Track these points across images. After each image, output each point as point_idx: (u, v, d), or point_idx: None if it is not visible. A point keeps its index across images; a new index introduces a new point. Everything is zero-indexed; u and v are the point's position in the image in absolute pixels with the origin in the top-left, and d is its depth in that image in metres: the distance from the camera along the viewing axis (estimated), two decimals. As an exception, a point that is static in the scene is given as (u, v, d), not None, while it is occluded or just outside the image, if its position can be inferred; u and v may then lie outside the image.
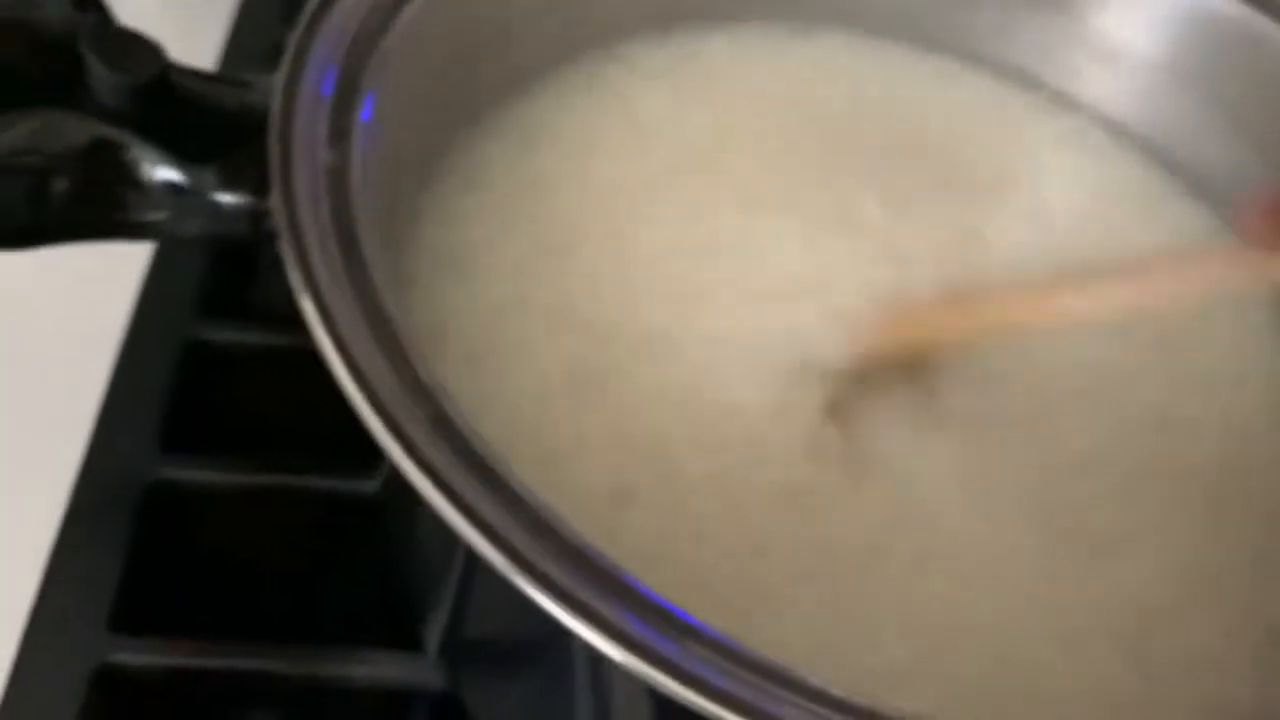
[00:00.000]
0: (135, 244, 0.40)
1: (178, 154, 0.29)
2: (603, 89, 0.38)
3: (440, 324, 0.32)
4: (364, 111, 0.28)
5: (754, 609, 0.29)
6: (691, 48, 0.41)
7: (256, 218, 0.29)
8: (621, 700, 0.28)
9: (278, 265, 0.44)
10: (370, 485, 0.36)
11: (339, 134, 0.28)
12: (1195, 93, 0.41)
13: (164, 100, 0.29)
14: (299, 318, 0.40)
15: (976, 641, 0.30)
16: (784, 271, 0.35)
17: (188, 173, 0.29)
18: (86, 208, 0.29)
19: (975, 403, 0.34)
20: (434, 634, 0.33)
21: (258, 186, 0.29)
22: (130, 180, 0.29)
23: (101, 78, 0.28)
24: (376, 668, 0.34)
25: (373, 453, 0.33)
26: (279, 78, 0.28)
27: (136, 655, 0.33)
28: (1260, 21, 0.39)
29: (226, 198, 0.29)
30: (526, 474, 0.24)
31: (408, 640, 0.34)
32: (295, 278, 0.25)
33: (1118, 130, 0.42)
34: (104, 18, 0.30)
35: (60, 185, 0.29)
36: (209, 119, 0.29)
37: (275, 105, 0.27)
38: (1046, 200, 0.40)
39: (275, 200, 0.26)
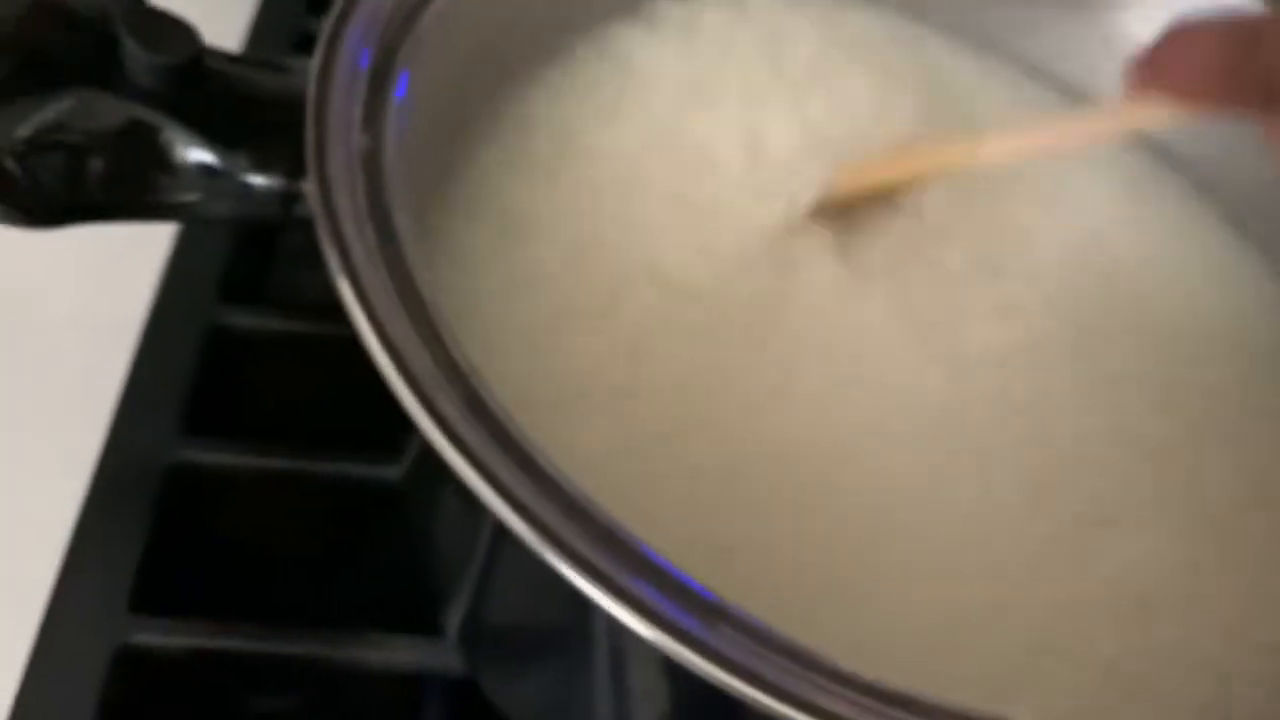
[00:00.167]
0: (163, 226, 0.41)
1: (211, 136, 0.29)
2: (630, 54, 0.39)
3: (474, 303, 0.32)
4: (398, 93, 0.28)
5: None
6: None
7: (288, 200, 0.29)
8: (642, 685, 0.28)
9: (301, 252, 0.45)
10: (391, 471, 0.36)
11: (373, 116, 0.28)
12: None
13: (198, 82, 0.29)
14: (321, 304, 0.40)
15: None
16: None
17: (220, 155, 0.29)
18: (120, 188, 0.29)
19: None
20: (453, 619, 0.33)
21: (289, 169, 0.29)
22: (163, 161, 0.29)
23: (136, 59, 0.28)
24: (395, 652, 0.34)
25: (394, 439, 0.34)
26: (314, 61, 0.28)
27: (156, 636, 0.34)
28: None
29: (258, 180, 0.29)
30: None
31: (426, 625, 0.34)
32: (331, 259, 0.25)
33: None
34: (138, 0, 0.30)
35: (95, 165, 0.29)
36: (243, 102, 0.30)
37: (310, 88, 0.28)
38: (1060, 199, 0.40)
39: (311, 182, 0.26)
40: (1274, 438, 0.36)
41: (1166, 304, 0.39)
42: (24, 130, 0.28)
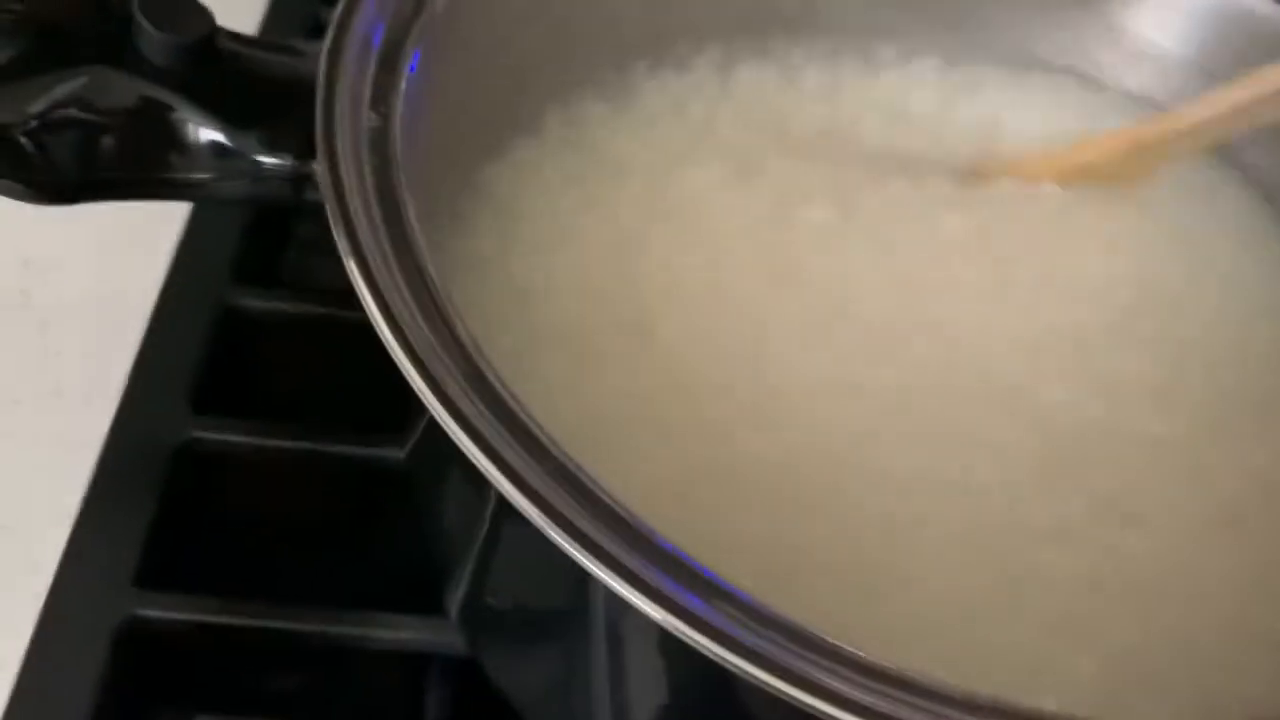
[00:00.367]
0: (177, 207, 0.42)
1: (223, 116, 0.29)
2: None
3: (484, 292, 0.32)
4: (408, 75, 0.29)
5: None
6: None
7: (298, 181, 0.30)
8: (641, 665, 0.29)
9: (314, 239, 0.45)
10: (397, 453, 0.37)
11: (383, 96, 0.28)
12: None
13: (211, 62, 0.29)
14: (332, 288, 0.41)
15: None
16: None
17: (232, 134, 0.29)
18: (132, 166, 0.29)
19: None
20: (455, 598, 0.34)
21: (300, 150, 0.29)
22: (175, 140, 0.29)
23: (150, 38, 0.29)
24: (397, 631, 0.34)
25: (401, 421, 0.35)
26: (325, 42, 0.29)
27: (162, 610, 0.34)
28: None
29: (269, 160, 0.29)
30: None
31: (429, 605, 0.34)
32: (339, 236, 0.25)
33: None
34: (154, -20, 0.30)
35: (107, 143, 0.29)
36: (255, 82, 0.30)
37: (321, 69, 0.28)
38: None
39: (320, 162, 0.27)
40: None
41: (1179, 300, 0.39)
42: (37, 107, 0.28)
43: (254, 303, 0.41)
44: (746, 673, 0.22)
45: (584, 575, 0.25)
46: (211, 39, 0.29)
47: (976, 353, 0.35)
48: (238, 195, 0.30)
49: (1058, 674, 0.30)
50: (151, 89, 0.29)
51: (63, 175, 0.29)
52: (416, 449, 0.34)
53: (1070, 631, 0.31)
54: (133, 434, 0.37)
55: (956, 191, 0.39)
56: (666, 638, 0.23)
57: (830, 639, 0.23)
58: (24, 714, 0.32)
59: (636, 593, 0.22)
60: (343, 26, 0.29)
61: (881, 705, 0.22)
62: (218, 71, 0.29)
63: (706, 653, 0.22)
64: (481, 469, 0.23)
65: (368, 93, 0.28)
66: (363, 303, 0.25)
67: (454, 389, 0.24)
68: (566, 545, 0.23)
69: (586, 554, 0.23)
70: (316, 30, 0.49)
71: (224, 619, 0.34)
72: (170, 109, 0.29)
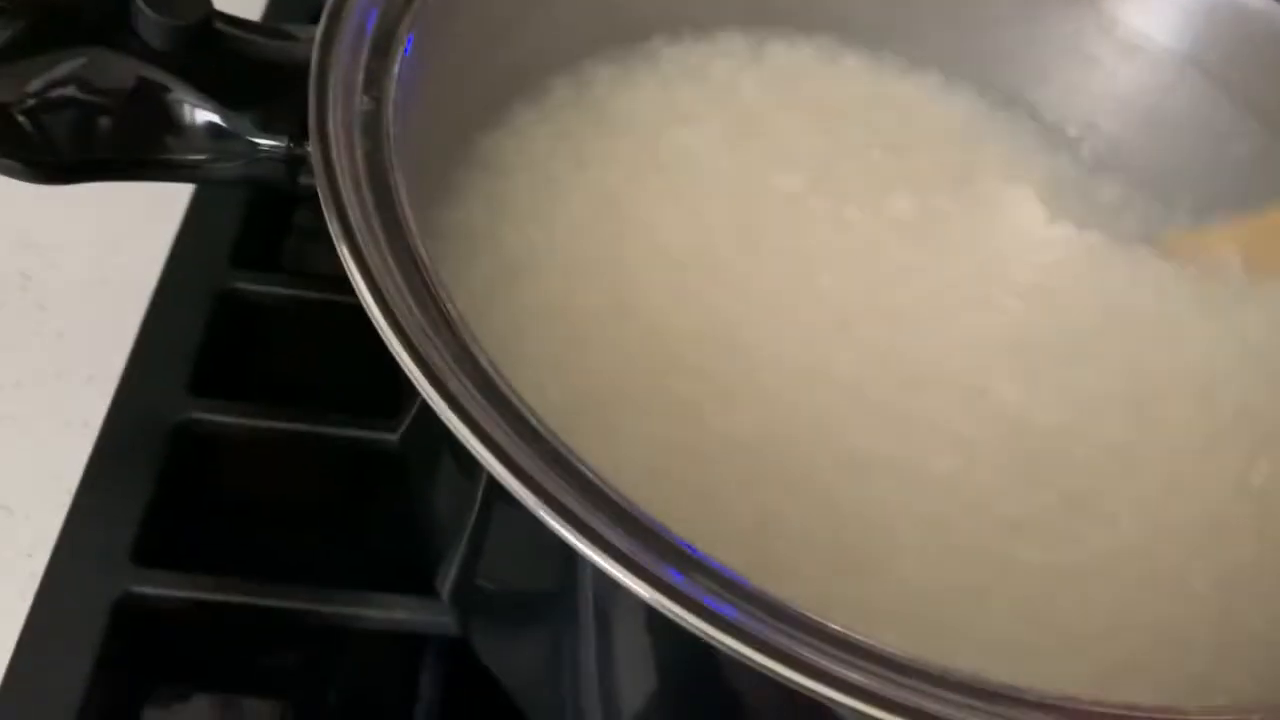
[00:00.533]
0: (177, 191, 0.42)
1: (219, 98, 0.30)
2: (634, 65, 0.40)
3: (474, 268, 0.32)
4: (402, 58, 0.29)
5: None
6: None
7: (293, 163, 0.30)
8: (628, 644, 0.29)
9: (311, 224, 0.45)
10: (390, 436, 0.37)
11: (376, 79, 0.28)
12: (1216, 87, 0.41)
13: (208, 45, 0.30)
14: (330, 274, 0.41)
15: None
16: None
17: (227, 117, 0.30)
18: (129, 146, 0.30)
19: None
20: (447, 580, 0.34)
21: (295, 132, 0.30)
22: (172, 121, 0.30)
23: (148, 20, 0.29)
24: (390, 611, 0.35)
25: (396, 404, 0.35)
26: (319, 25, 0.29)
27: (157, 587, 0.34)
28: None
29: (264, 142, 0.30)
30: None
31: (421, 586, 0.35)
32: (331, 221, 0.26)
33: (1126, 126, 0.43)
34: (152, -38, 0.30)
35: (104, 123, 0.29)
36: (251, 65, 0.30)
37: (314, 53, 0.28)
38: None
39: (312, 143, 0.27)
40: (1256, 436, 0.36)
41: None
42: (36, 86, 0.29)
43: (253, 287, 0.41)
44: (733, 649, 0.22)
45: (572, 556, 0.25)
46: (208, 22, 0.30)
47: (931, 344, 0.35)
48: (233, 176, 0.30)
49: (1024, 659, 0.30)
50: (149, 70, 0.29)
51: (60, 154, 0.29)
52: (409, 431, 0.34)
53: (1039, 619, 0.31)
54: (131, 415, 0.37)
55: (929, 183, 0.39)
56: (654, 617, 0.23)
57: (819, 617, 0.23)
58: (20, 690, 0.32)
59: (624, 570, 0.22)
60: (336, 12, 0.29)
61: (866, 682, 0.22)
62: (214, 54, 0.30)
63: (694, 630, 0.22)
64: (471, 449, 0.23)
65: (361, 77, 0.28)
66: (354, 285, 0.25)
67: (444, 370, 0.24)
68: (555, 524, 0.23)
69: (574, 532, 0.23)
70: (319, 16, 0.49)
71: (219, 597, 0.34)
72: (167, 90, 0.29)
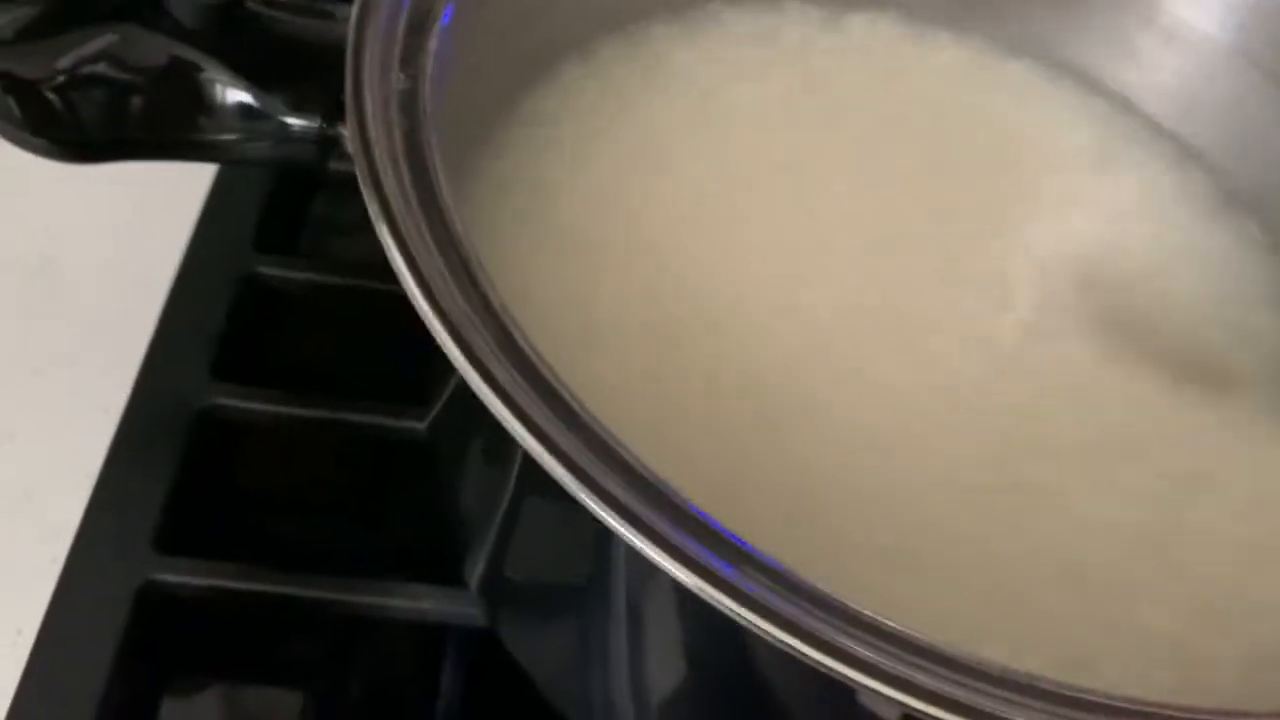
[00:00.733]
0: (201, 173, 0.41)
1: (250, 76, 0.29)
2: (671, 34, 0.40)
3: (509, 246, 0.32)
4: (438, 37, 0.28)
5: None
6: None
7: (324, 144, 0.30)
8: (662, 635, 0.29)
9: (328, 213, 0.45)
10: (417, 423, 0.37)
11: (412, 57, 0.28)
12: (1263, 75, 0.40)
13: (241, 23, 0.29)
14: (355, 258, 0.41)
15: None
16: None
17: (259, 96, 0.29)
18: (159, 125, 0.29)
19: None
20: (475, 570, 0.33)
21: (327, 112, 0.29)
22: (203, 100, 0.29)
23: (180, -2, 0.29)
24: (416, 601, 0.34)
25: (422, 392, 0.34)
26: (354, 3, 0.28)
27: (180, 575, 0.34)
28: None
29: (296, 122, 0.29)
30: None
31: (447, 575, 0.34)
32: (370, 200, 0.25)
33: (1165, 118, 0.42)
34: (182, -59, 0.30)
35: (134, 102, 0.29)
36: (283, 44, 0.30)
37: (350, 31, 0.28)
38: (1095, 201, 0.40)
39: (349, 125, 0.26)
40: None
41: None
42: (65, 63, 0.28)
43: (276, 271, 0.41)
44: (779, 640, 0.21)
45: (608, 545, 0.25)
46: (241, 1, 0.29)
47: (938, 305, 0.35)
48: (263, 157, 0.30)
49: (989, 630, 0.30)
50: (180, 48, 0.29)
51: (89, 133, 0.29)
52: (440, 418, 0.34)
53: (1005, 600, 0.31)
54: (153, 400, 0.37)
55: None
56: (690, 607, 0.23)
57: (867, 611, 0.22)
58: (42, 678, 0.32)
59: (668, 557, 0.22)
60: (372, -11, 0.29)
61: (915, 676, 0.21)
62: (247, 32, 0.29)
63: (737, 618, 0.22)
64: (514, 434, 0.23)
65: (397, 55, 0.28)
66: (395, 268, 0.24)
67: (486, 354, 0.24)
68: (599, 510, 0.22)
69: (618, 518, 0.22)
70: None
71: (242, 585, 0.34)
72: (198, 69, 0.29)
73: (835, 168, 0.38)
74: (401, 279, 0.24)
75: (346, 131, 0.27)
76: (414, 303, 0.24)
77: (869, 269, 0.36)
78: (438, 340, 0.24)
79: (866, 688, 0.21)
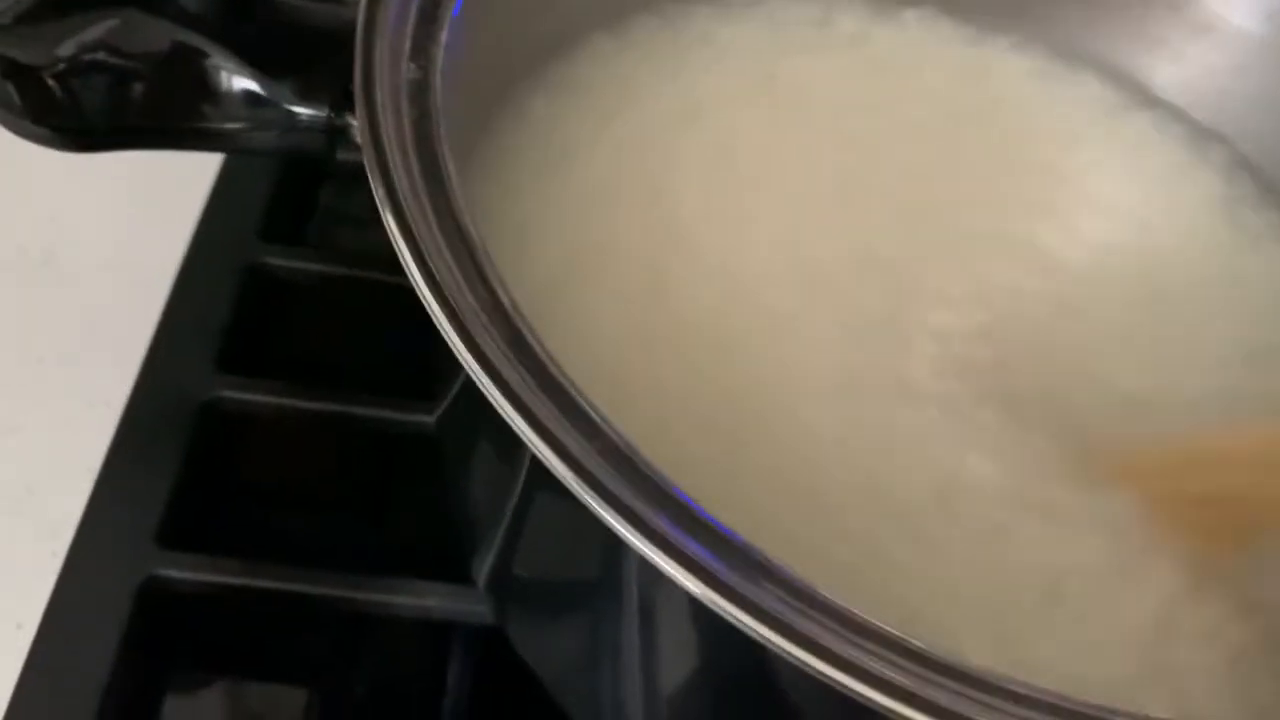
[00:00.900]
0: (206, 162, 0.41)
1: (256, 64, 0.29)
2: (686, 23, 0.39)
3: (520, 239, 0.32)
4: (448, 26, 0.28)
5: None
6: None
7: (332, 133, 0.29)
8: (673, 637, 0.28)
9: (336, 204, 0.44)
10: (425, 417, 0.36)
11: (423, 47, 0.27)
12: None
13: (247, 8, 0.29)
14: (362, 250, 0.40)
15: None
16: None
17: (265, 84, 0.29)
18: (162, 113, 0.29)
19: None
20: (483, 567, 0.33)
21: (335, 101, 0.29)
22: (207, 88, 0.29)
23: (184, -19, 0.28)
24: (422, 598, 0.34)
25: (430, 386, 0.34)
26: (364, -9, 0.28)
27: (183, 571, 0.33)
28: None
29: (303, 111, 0.29)
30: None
31: (454, 572, 0.34)
32: (378, 192, 0.24)
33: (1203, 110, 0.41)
34: (187, -77, 0.29)
35: (137, 89, 0.28)
36: (291, 30, 0.29)
37: (360, 18, 0.27)
38: (1119, 197, 0.40)
39: (358, 112, 0.26)
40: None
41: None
42: (66, 50, 0.27)
43: (282, 262, 0.40)
44: (796, 658, 0.21)
45: (618, 546, 0.24)
46: (247, -15, 0.28)
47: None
48: (269, 147, 0.29)
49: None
50: (184, 34, 0.28)
51: (91, 121, 0.28)
52: (448, 413, 0.33)
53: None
54: (157, 393, 0.36)
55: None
56: (701, 612, 0.22)
57: (878, 623, 0.22)
58: (43, 673, 0.31)
59: (677, 566, 0.22)
60: (383, -26, 0.28)
61: (936, 696, 0.21)
62: (253, 18, 0.29)
63: (751, 634, 0.21)
64: (522, 435, 0.22)
65: (408, 43, 0.27)
66: (401, 260, 0.24)
67: (494, 352, 0.23)
68: (607, 515, 0.22)
69: (626, 524, 0.22)
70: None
71: (246, 581, 0.33)
72: (203, 55, 0.28)
73: (852, 155, 0.38)
74: (410, 274, 0.24)
75: (355, 121, 0.26)
76: (422, 299, 0.23)
77: (873, 234, 0.36)
78: (446, 338, 0.23)
79: (885, 708, 0.21)
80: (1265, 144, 0.40)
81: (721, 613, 0.21)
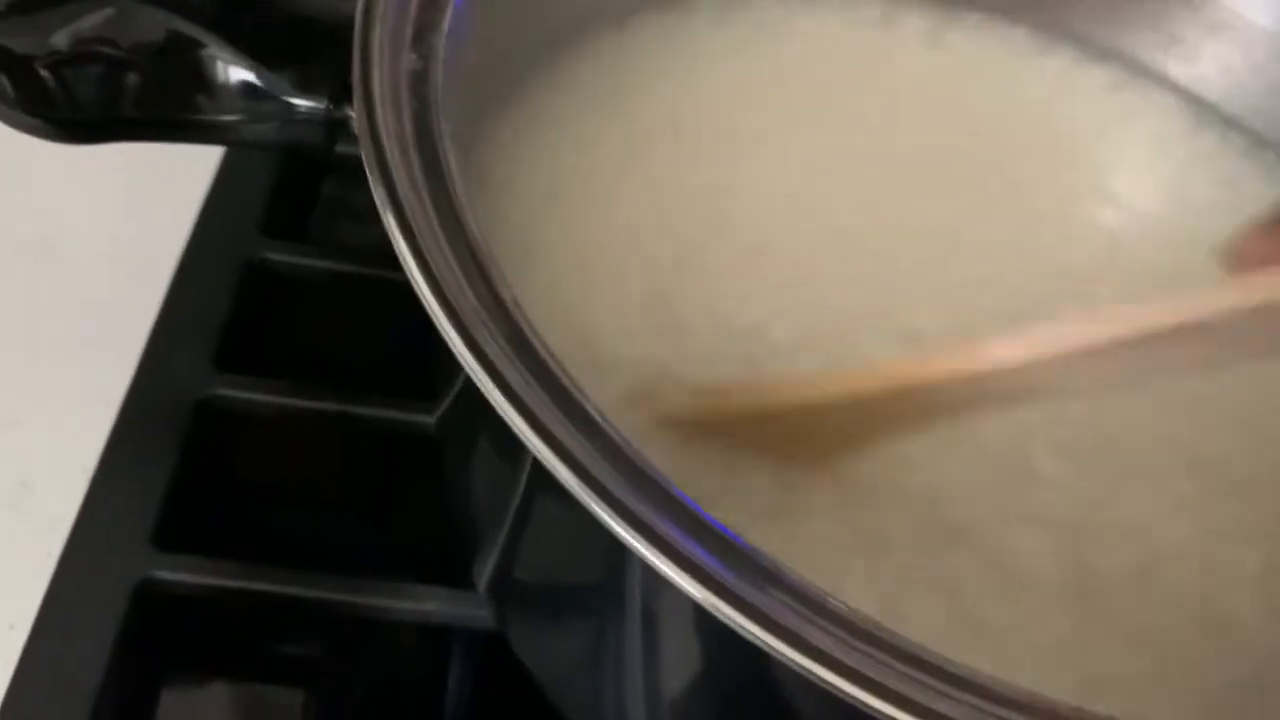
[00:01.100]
0: (206, 155, 0.40)
1: (254, 55, 0.28)
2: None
3: (521, 234, 0.31)
4: (450, 12, 0.27)
5: None
6: None
7: (331, 126, 0.28)
8: (676, 643, 0.27)
9: (338, 196, 0.44)
10: (426, 418, 0.35)
11: (424, 38, 0.27)
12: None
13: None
14: (364, 246, 0.39)
15: None
16: None
17: (263, 75, 0.28)
18: (158, 105, 0.28)
19: None
20: (484, 571, 0.32)
21: (334, 93, 0.28)
22: (204, 79, 0.28)
23: (179, -30, 0.27)
24: (422, 602, 0.33)
25: (431, 385, 0.33)
26: (364, -21, 0.27)
27: (179, 572, 0.33)
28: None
29: (301, 103, 0.28)
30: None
31: (456, 577, 0.33)
32: (376, 188, 0.24)
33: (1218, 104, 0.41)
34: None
35: (132, 80, 0.28)
36: (289, 21, 0.29)
37: (359, 7, 0.26)
38: (1128, 185, 0.39)
39: (355, 105, 0.25)
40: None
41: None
42: (60, 40, 0.27)
43: (283, 258, 0.39)
44: (803, 666, 0.20)
45: (621, 550, 0.24)
46: (245, -26, 0.28)
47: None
48: (267, 139, 0.29)
49: None
50: (180, 24, 0.28)
51: (85, 113, 0.27)
52: (448, 414, 0.32)
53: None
54: (154, 389, 0.36)
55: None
56: (705, 618, 0.21)
57: (888, 632, 0.21)
58: (36, 675, 0.31)
59: (680, 570, 0.21)
60: (384, -39, 0.27)
61: (952, 711, 0.20)
62: (251, 7, 0.28)
63: (759, 643, 0.21)
64: (522, 437, 0.22)
65: (408, 33, 0.26)
66: (400, 258, 0.23)
67: (496, 353, 0.22)
68: (609, 519, 0.21)
69: (628, 528, 0.21)
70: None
71: (243, 584, 0.33)
72: (199, 45, 0.28)
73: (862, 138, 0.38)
74: (409, 273, 0.23)
75: (354, 114, 0.25)
76: (422, 298, 0.23)
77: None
78: (446, 338, 0.22)
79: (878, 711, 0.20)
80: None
81: (726, 620, 0.21)
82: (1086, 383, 0.27)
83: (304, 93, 0.28)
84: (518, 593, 0.32)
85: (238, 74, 0.28)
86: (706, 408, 0.30)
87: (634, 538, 0.21)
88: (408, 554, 0.35)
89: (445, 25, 0.27)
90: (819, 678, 0.20)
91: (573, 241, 0.33)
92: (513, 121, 0.34)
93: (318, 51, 0.28)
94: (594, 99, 0.36)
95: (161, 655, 0.34)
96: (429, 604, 0.33)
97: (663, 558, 0.21)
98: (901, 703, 0.20)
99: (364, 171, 0.24)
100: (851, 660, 0.21)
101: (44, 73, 0.27)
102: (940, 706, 0.20)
